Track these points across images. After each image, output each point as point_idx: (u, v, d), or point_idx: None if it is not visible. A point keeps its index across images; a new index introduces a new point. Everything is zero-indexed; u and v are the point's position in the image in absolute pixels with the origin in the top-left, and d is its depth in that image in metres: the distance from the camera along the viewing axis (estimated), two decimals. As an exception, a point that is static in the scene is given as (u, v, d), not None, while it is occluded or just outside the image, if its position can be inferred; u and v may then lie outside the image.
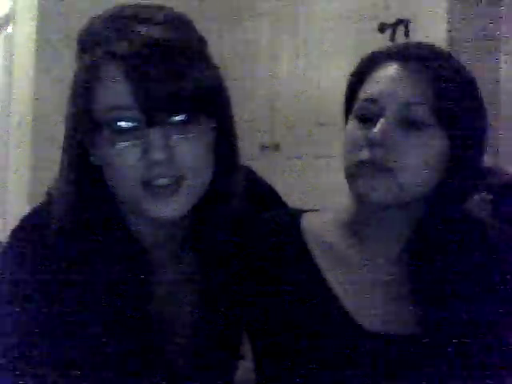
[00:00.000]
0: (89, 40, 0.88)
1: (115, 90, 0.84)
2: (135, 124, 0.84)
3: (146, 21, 0.86)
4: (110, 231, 0.89)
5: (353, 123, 0.97)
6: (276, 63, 3.10)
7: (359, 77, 1.00)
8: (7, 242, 0.91)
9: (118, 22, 0.86)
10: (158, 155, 0.83)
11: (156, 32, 0.84)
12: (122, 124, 0.85)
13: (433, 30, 2.25)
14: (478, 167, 0.98)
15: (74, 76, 0.89)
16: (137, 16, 0.87)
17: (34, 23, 3.42)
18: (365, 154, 0.92)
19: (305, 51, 2.93)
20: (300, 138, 2.88)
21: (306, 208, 1.11)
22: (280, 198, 1.15)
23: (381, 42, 2.43)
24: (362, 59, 1.02)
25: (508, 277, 0.96)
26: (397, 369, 0.93)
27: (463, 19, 2.18)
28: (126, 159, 0.85)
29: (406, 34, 2.34)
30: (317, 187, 2.73)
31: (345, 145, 0.97)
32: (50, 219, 0.89)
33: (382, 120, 0.92)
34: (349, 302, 0.97)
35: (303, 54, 2.94)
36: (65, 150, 0.91)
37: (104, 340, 0.86)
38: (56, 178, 0.93)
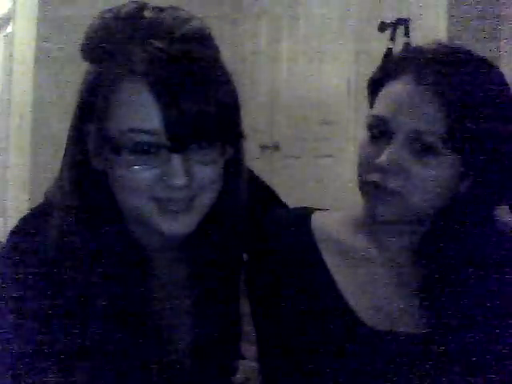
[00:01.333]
0: (108, 41, 0.83)
1: (141, 112, 0.80)
2: (157, 147, 0.81)
3: (167, 32, 0.82)
4: (110, 235, 0.89)
5: (365, 135, 0.95)
6: (276, 63, 3.10)
7: (371, 91, 0.97)
8: (5, 244, 0.91)
9: (139, 29, 0.82)
10: (179, 181, 0.81)
11: (181, 49, 0.81)
12: (144, 147, 0.81)
13: (433, 29, 2.25)
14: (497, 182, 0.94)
15: (86, 85, 0.85)
16: (158, 24, 0.83)
17: (33, 23, 3.43)
18: (373, 177, 0.91)
19: (305, 51, 2.93)
20: (300, 138, 2.88)
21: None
22: (278, 197, 1.15)
23: (381, 41, 2.43)
24: (380, 65, 0.98)
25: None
26: (403, 367, 0.93)
27: (463, 19, 2.18)
28: (141, 180, 0.83)
29: (406, 33, 2.34)
30: (317, 186, 2.73)
31: (358, 155, 0.96)
32: (49, 222, 0.88)
33: (391, 145, 0.90)
34: (356, 300, 0.97)
35: (303, 53, 2.94)
36: (67, 154, 0.89)
37: (102, 342, 0.86)
38: (55, 180, 0.92)
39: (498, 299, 0.94)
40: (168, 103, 0.79)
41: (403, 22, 2.35)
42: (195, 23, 0.85)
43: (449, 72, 0.90)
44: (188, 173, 0.82)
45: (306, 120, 2.85)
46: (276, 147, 3.02)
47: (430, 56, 0.92)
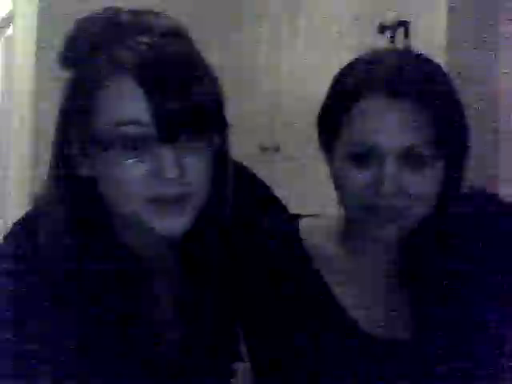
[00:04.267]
0: (87, 44, 0.85)
1: (129, 104, 0.82)
2: (147, 140, 0.82)
3: (147, 30, 0.84)
4: (100, 241, 0.88)
5: (345, 163, 0.92)
6: (276, 64, 3.10)
7: (340, 108, 0.94)
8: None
9: (118, 29, 0.84)
10: (170, 173, 0.82)
11: (163, 43, 0.83)
12: (133, 140, 0.82)
13: (433, 30, 2.25)
14: (462, 180, 0.97)
15: (68, 90, 0.86)
16: (137, 23, 0.85)
17: (34, 25, 3.43)
18: (379, 202, 0.90)
19: (305, 52, 2.93)
20: (300, 139, 2.88)
21: (305, 210, 1.11)
22: (279, 200, 1.14)
23: (381, 42, 2.43)
24: (339, 87, 0.95)
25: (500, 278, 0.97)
26: (397, 374, 0.93)
27: (463, 20, 2.18)
28: (133, 175, 0.82)
29: (406, 35, 2.34)
30: (317, 188, 2.72)
31: (343, 188, 0.93)
32: (40, 228, 0.87)
33: (387, 168, 0.88)
34: (350, 306, 0.97)
35: (303, 55, 2.94)
36: (53, 161, 0.89)
37: (95, 347, 0.85)
38: (43, 186, 0.91)
39: (486, 301, 0.95)
40: (156, 93, 0.81)
41: (403, 24, 2.35)
42: (173, 22, 0.88)
43: (418, 79, 0.89)
44: (179, 165, 0.82)
45: (306, 122, 2.84)
46: (276, 149, 3.01)
47: (390, 66, 0.90)
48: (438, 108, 0.88)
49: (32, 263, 0.86)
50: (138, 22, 0.85)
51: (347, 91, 0.93)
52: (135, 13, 0.87)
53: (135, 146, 0.82)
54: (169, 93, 0.81)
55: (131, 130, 0.82)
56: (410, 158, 0.89)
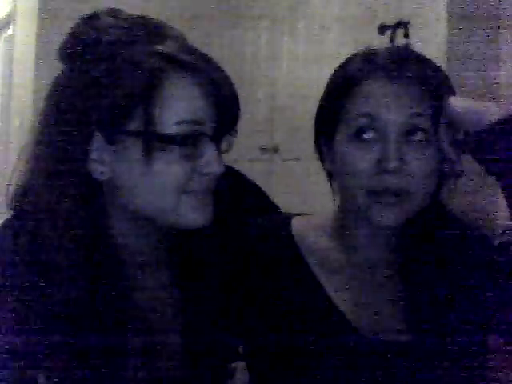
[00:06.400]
0: (124, 41, 0.85)
1: (191, 104, 0.85)
2: (198, 138, 0.86)
3: (162, 34, 0.87)
4: (91, 241, 0.87)
5: (348, 148, 0.95)
6: (276, 65, 3.10)
7: (342, 93, 0.98)
8: None
9: (146, 30, 0.86)
10: (217, 168, 0.87)
11: (190, 46, 0.88)
12: (189, 138, 0.85)
13: (433, 30, 2.25)
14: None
15: (102, 77, 0.84)
16: (160, 29, 0.88)
17: (34, 25, 3.43)
18: (381, 181, 0.92)
19: (305, 53, 2.93)
20: (299, 140, 2.88)
21: (304, 211, 1.11)
22: (269, 200, 1.15)
23: (381, 42, 2.43)
24: (339, 75, 1.00)
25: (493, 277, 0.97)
26: (393, 374, 0.93)
27: (463, 19, 2.18)
28: (175, 171, 0.85)
29: (406, 35, 2.34)
30: (316, 189, 2.72)
31: (346, 173, 0.95)
32: (28, 228, 0.86)
33: (389, 144, 0.92)
34: (343, 306, 0.97)
35: (303, 55, 2.94)
36: (61, 162, 0.86)
37: (87, 349, 0.85)
38: (25, 186, 0.89)
39: (480, 300, 0.95)
40: (214, 93, 0.85)
41: (403, 24, 2.35)
42: (174, 28, 0.91)
43: (412, 60, 0.97)
44: (221, 160, 0.88)
45: (305, 122, 2.84)
46: (275, 149, 3.01)
47: (387, 52, 0.99)
48: (433, 84, 0.94)
49: (16, 264, 0.85)
50: (164, 25, 0.88)
51: (348, 77, 0.98)
52: (146, 19, 0.89)
53: (186, 143, 0.85)
54: (224, 93, 0.86)
55: (191, 128, 0.85)
56: (410, 133, 0.92)
